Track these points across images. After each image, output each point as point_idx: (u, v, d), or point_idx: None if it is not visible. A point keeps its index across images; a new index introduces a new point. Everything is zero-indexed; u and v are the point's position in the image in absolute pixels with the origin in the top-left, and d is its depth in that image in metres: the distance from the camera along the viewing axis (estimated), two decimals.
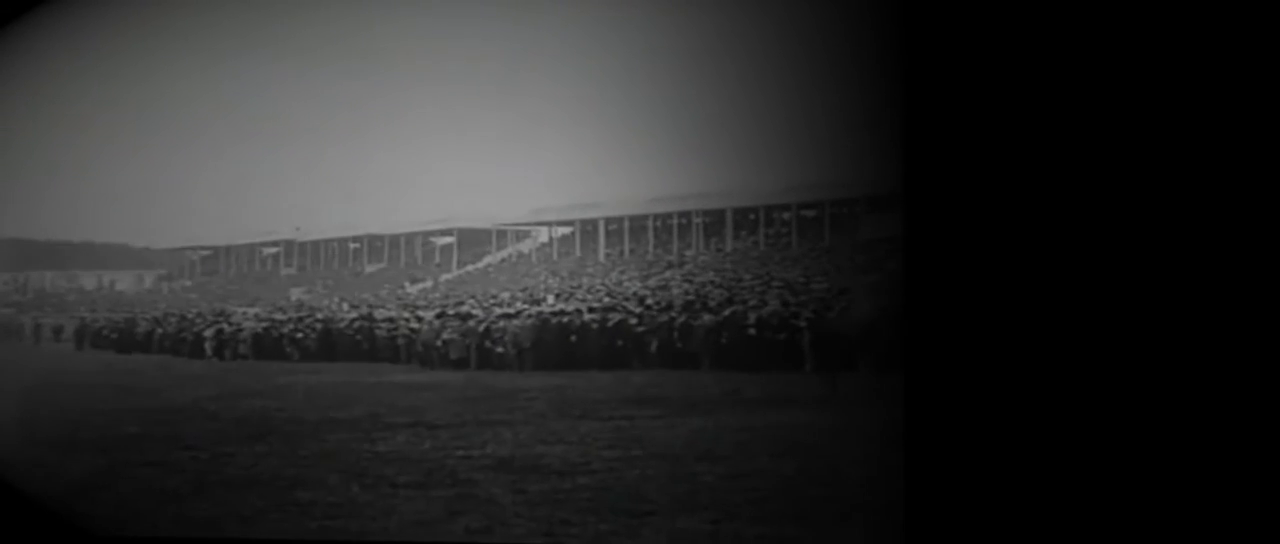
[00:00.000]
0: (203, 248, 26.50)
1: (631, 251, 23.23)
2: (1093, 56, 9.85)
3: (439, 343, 21.13)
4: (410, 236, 25.14)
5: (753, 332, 19.13)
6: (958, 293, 10.04)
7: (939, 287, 10.10)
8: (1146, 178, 9.75)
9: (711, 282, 21.57)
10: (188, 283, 25.84)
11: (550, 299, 21.52)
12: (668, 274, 22.39)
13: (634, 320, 20.00)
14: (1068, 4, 9.84)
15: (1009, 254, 9.96)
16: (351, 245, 25.52)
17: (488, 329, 20.75)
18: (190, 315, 24.47)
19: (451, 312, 21.80)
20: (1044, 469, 9.97)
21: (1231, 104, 9.56)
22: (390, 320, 22.67)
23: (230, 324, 23.91)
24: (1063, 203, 9.84)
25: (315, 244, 25.67)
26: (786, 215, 22.74)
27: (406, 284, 24.48)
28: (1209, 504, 9.72)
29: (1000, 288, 9.91)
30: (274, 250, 25.97)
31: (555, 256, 23.89)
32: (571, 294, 21.79)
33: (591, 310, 20.49)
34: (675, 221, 23.31)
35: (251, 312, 24.16)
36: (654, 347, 19.67)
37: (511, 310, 21.21)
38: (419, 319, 22.05)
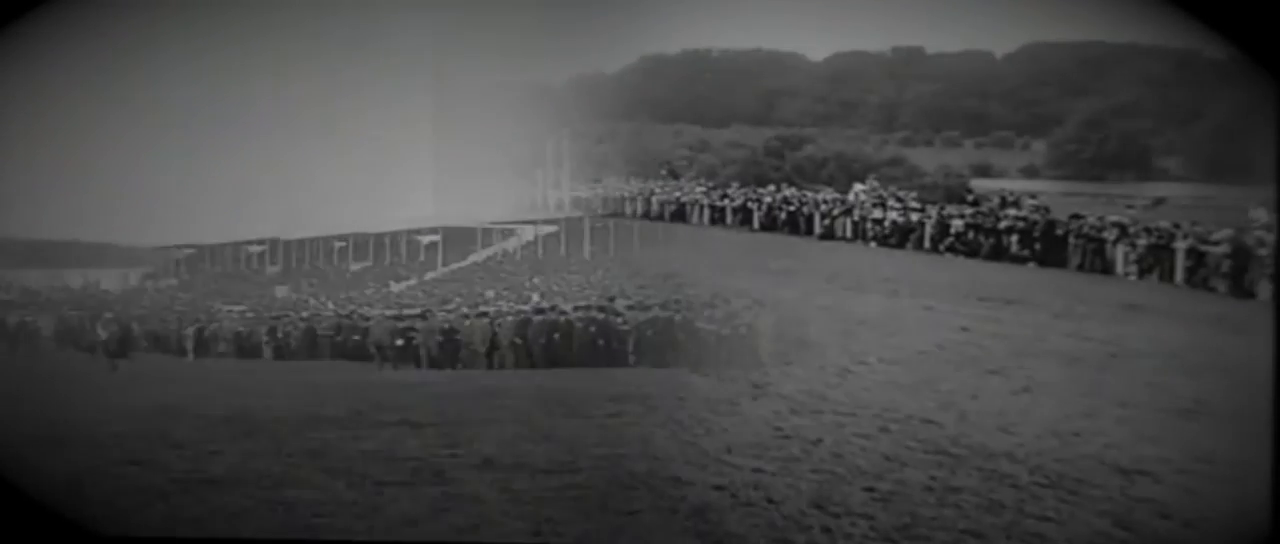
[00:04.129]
0: (188, 246, 26.39)
1: (616, 250, 23.24)
2: None
3: (423, 342, 21.11)
4: (395, 235, 25.10)
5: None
6: None
7: None
8: None
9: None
10: (173, 281, 25.72)
11: (535, 297, 21.52)
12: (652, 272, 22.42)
13: (619, 318, 20.03)
14: None
15: None
16: (337, 244, 25.46)
17: (472, 327, 20.76)
18: (174, 312, 24.39)
19: (436, 309, 21.79)
20: None
21: None
22: (375, 318, 22.63)
23: (214, 322, 23.87)
24: None
25: (300, 242, 25.61)
26: None
27: (391, 282, 24.46)
28: None
29: None
30: (259, 249, 25.90)
31: (540, 255, 23.88)
32: (557, 292, 21.80)
33: (576, 308, 20.51)
34: None
35: (236, 310, 24.11)
36: (639, 344, 19.69)
37: (496, 308, 21.21)
38: (403, 317, 22.02)
